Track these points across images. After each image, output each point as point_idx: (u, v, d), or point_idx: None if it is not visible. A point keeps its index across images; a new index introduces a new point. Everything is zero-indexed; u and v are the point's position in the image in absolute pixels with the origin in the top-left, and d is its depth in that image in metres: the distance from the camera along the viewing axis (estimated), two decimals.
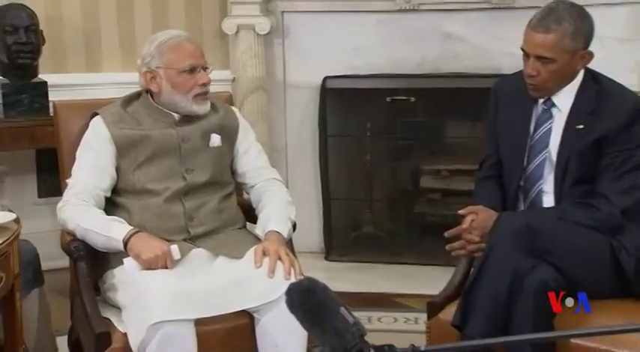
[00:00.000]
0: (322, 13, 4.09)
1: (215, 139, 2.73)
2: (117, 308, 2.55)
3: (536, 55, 2.49)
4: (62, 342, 2.91)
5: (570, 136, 2.54)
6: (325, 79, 4.06)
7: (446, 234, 2.56)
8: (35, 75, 3.83)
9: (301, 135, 4.20)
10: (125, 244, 2.48)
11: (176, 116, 2.70)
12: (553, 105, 2.57)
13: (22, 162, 3.99)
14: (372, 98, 4.17)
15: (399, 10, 4.00)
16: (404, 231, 4.27)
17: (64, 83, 3.92)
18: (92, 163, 2.65)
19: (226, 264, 2.59)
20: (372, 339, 3.18)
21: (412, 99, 4.10)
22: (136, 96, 2.76)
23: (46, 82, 3.82)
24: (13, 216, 2.51)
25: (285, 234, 2.61)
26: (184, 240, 2.64)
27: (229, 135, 2.79)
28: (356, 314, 3.76)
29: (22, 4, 3.77)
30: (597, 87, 2.56)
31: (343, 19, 4.06)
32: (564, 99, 2.55)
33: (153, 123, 2.70)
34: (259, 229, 2.67)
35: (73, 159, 2.82)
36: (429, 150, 4.33)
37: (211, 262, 2.62)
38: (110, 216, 2.60)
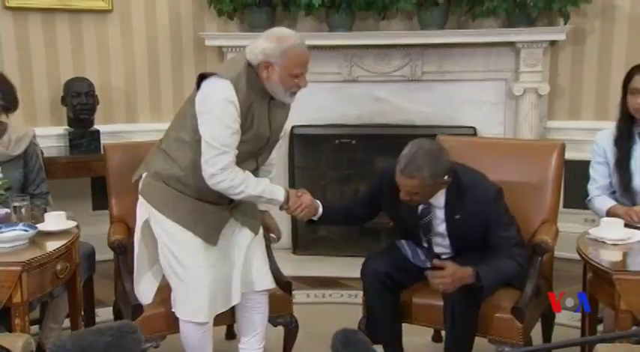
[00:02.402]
0: None
1: (281, 133, 2.47)
2: None
3: (405, 191, 2.31)
4: (109, 311, 2.86)
5: (454, 224, 2.39)
6: (293, 127, 4.04)
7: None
8: (91, 125, 3.82)
9: (277, 166, 4.17)
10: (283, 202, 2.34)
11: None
12: (431, 204, 2.39)
13: (82, 186, 3.95)
14: (326, 141, 4.18)
15: (344, 81, 4.04)
16: (347, 234, 4.25)
17: (111, 131, 3.91)
18: (236, 129, 2.23)
19: (241, 249, 2.41)
20: (326, 309, 3.21)
21: (353, 141, 4.12)
22: (242, 72, 2.25)
23: (99, 131, 3.81)
24: (75, 223, 2.47)
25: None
26: (229, 203, 2.39)
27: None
28: (314, 291, 3.79)
29: (84, 77, 3.79)
30: (458, 182, 2.35)
31: (306, 87, 4.09)
32: (438, 199, 2.38)
33: (258, 108, 2.28)
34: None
35: (118, 185, 2.76)
36: (365, 178, 4.25)
37: (236, 241, 2.41)
38: (263, 180, 2.34)
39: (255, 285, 2.44)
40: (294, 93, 2.33)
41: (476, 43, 3.85)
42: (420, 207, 2.41)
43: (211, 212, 2.36)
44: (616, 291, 2.03)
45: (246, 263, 2.42)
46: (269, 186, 2.35)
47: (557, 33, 3.76)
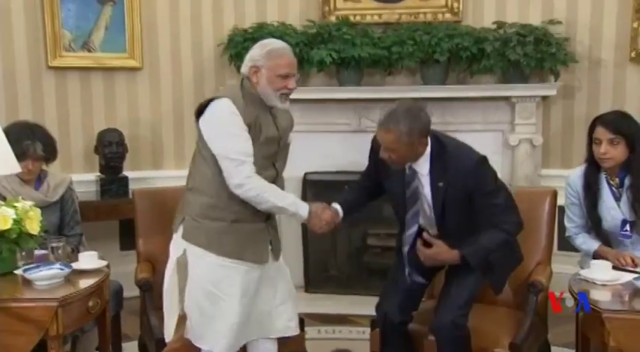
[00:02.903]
0: (306, 133, 3.99)
1: (290, 138, 2.41)
2: None
3: (384, 147, 2.27)
4: (134, 345, 2.87)
5: (437, 192, 2.30)
6: (306, 173, 4.10)
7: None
8: (121, 172, 3.88)
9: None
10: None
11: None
12: (415, 171, 2.33)
13: (111, 228, 3.99)
14: (336, 186, 3.94)
15: (354, 131, 4.09)
16: (357, 273, 4.23)
17: (138, 177, 3.96)
18: (246, 135, 2.20)
19: (271, 288, 2.38)
20: (336, 344, 3.23)
21: None
22: (238, 89, 2.26)
23: (127, 177, 3.88)
24: (105, 262, 2.52)
25: None
26: (267, 220, 2.33)
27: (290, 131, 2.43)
28: (325, 327, 3.77)
29: (115, 128, 3.90)
30: (442, 150, 2.29)
31: (318, 136, 4.09)
32: (422, 166, 2.32)
33: (261, 113, 2.24)
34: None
35: (145, 227, 2.79)
36: (374, 220, 4.23)
37: (269, 277, 2.36)
38: (289, 194, 2.31)
39: (286, 331, 2.42)
40: (284, 96, 2.27)
41: (474, 98, 3.92)
42: (406, 174, 2.34)
43: (253, 233, 2.31)
44: (605, 329, 2.06)
45: (277, 307, 2.40)
46: (294, 201, 2.31)
47: (549, 89, 3.85)
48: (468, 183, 2.26)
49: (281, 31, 3.90)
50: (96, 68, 3.96)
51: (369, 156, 2.50)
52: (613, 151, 2.53)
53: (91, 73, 3.97)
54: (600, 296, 2.23)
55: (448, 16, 4.02)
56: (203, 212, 2.30)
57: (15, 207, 2.39)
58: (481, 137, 3.92)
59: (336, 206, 2.48)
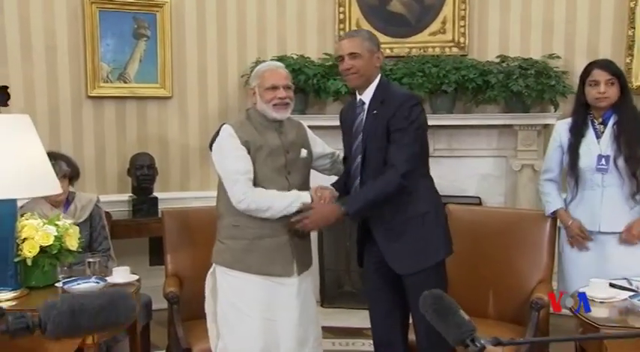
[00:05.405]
0: None
1: (303, 152, 2.36)
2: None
3: (348, 53, 2.25)
4: None
5: (369, 120, 2.27)
6: None
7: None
8: (151, 193, 3.90)
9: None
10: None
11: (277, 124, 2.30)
12: (363, 102, 2.32)
13: (141, 244, 4.02)
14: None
15: None
16: None
17: (167, 198, 3.96)
18: (241, 154, 2.23)
19: (297, 312, 2.30)
20: None
21: None
22: (243, 115, 2.37)
23: (157, 197, 3.90)
24: (137, 276, 2.54)
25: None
26: (289, 232, 2.27)
27: (306, 146, 2.38)
28: (339, 340, 3.77)
29: (146, 152, 3.94)
30: (386, 84, 2.33)
31: None
32: (367, 96, 2.31)
33: (264, 132, 2.28)
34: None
35: (173, 244, 2.80)
36: None
37: (292, 296, 2.29)
38: (290, 193, 2.25)
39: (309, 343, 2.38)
40: (277, 106, 2.28)
41: (480, 126, 3.94)
42: (357, 107, 2.33)
43: (276, 248, 2.28)
44: (603, 344, 2.06)
45: (302, 322, 2.35)
46: (295, 196, 2.24)
47: (549, 118, 3.85)
48: (391, 112, 2.22)
49: (300, 63, 3.96)
50: (130, 97, 4.04)
51: (342, 131, 2.47)
52: (610, 91, 2.61)
53: (125, 101, 4.05)
54: (598, 313, 2.23)
55: (455, 50, 4.08)
56: (227, 233, 2.33)
57: (56, 224, 2.46)
58: (486, 162, 3.99)
59: (333, 191, 2.38)
